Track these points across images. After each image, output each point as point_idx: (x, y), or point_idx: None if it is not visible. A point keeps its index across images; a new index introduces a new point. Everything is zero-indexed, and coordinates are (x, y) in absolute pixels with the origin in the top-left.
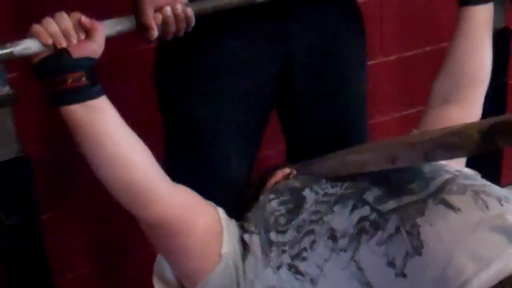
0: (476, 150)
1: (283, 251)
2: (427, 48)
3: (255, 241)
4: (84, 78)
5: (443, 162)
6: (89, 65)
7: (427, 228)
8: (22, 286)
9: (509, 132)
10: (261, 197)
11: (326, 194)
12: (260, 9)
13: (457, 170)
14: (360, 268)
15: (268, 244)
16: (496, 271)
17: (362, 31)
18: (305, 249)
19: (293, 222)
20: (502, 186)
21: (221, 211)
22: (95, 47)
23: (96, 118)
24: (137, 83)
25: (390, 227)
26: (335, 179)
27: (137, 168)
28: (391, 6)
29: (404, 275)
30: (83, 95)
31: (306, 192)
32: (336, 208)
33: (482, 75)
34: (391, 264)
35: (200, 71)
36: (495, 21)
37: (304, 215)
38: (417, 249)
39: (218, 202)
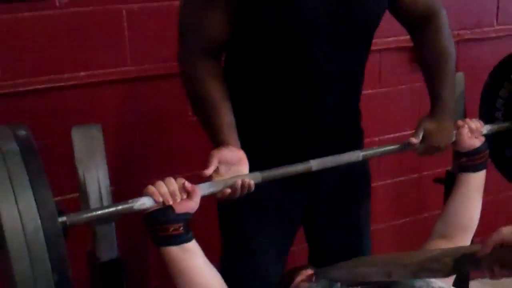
0: (450, 274)
1: None
2: (413, 176)
3: None
4: (181, 228)
5: (430, 278)
6: (187, 218)
7: None
8: None
9: (475, 262)
10: None
11: None
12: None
13: (440, 287)
14: None
15: None
16: None
17: (368, 171)
18: None
19: None
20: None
21: None
22: (193, 205)
23: (187, 257)
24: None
25: None
26: (347, 284)
27: None
28: None
29: None
30: (180, 240)
31: None
32: None
33: (471, 225)
34: None
35: (247, 208)
36: None
37: None
38: None
39: None
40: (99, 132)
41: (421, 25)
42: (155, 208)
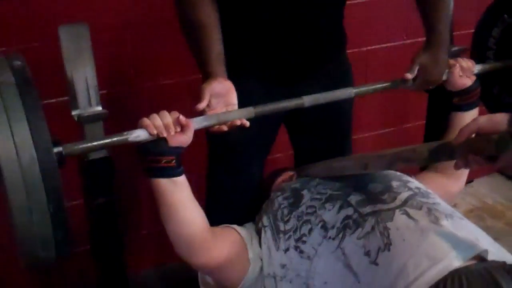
0: (425, 164)
1: (289, 237)
2: None
3: (268, 233)
4: (174, 161)
5: (408, 178)
6: (179, 152)
7: (395, 232)
8: (102, 242)
9: (450, 151)
10: (272, 194)
11: (319, 193)
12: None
13: (417, 187)
14: (344, 254)
15: (277, 233)
16: (443, 267)
17: (351, 80)
18: (304, 234)
19: (294, 213)
20: None
21: (241, 231)
22: (186, 139)
23: (176, 190)
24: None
25: (368, 226)
26: (326, 181)
27: (196, 227)
28: (375, 57)
29: (376, 264)
30: (171, 173)
31: (304, 191)
32: (327, 205)
33: None
34: (367, 254)
35: None
36: None
37: (302, 208)
38: (387, 246)
39: (242, 198)
40: (87, 31)
41: None
42: (149, 140)
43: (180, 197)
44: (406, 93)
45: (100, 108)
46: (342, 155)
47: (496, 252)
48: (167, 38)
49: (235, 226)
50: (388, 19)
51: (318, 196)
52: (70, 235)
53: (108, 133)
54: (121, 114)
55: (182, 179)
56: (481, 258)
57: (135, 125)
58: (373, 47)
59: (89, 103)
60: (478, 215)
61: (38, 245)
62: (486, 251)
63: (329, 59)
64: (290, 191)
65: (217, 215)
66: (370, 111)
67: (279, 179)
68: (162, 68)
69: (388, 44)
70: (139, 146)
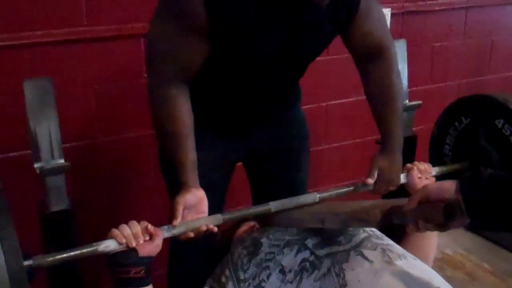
0: (379, 225)
1: (249, 284)
2: (357, 140)
3: (229, 285)
4: (142, 272)
5: None
6: (148, 262)
7: (350, 272)
8: None
9: (402, 215)
10: (231, 246)
11: (277, 239)
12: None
13: (371, 230)
14: None
15: (237, 282)
16: None
17: (307, 133)
18: (263, 280)
19: (253, 261)
20: None
21: None
22: (155, 248)
23: None
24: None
25: (324, 268)
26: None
27: None
28: (333, 110)
29: None
30: (139, 283)
31: (263, 239)
32: (285, 250)
33: (429, 259)
34: None
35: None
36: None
37: (261, 255)
38: (343, 287)
39: (200, 248)
40: (50, 85)
41: (370, 60)
42: (119, 250)
43: None
44: (364, 144)
45: (62, 160)
46: None
47: None
48: (131, 93)
49: None
50: (347, 76)
51: (277, 243)
52: None
53: (70, 186)
54: (84, 166)
55: None
56: None
57: (98, 179)
58: (332, 102)
59: (51, 156)
60: (438, 266)
61: None
62: None
63: (284, 111)
64: (250, 240)
65: (179, 261)
66: (330, 163)
67: (240, 230)
68: (125, 122)
69: (348, 100)
70: (109, 257)
